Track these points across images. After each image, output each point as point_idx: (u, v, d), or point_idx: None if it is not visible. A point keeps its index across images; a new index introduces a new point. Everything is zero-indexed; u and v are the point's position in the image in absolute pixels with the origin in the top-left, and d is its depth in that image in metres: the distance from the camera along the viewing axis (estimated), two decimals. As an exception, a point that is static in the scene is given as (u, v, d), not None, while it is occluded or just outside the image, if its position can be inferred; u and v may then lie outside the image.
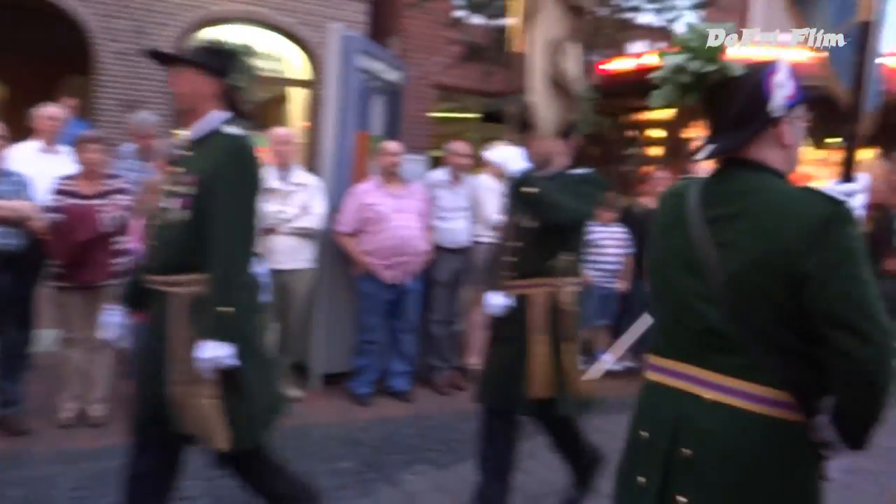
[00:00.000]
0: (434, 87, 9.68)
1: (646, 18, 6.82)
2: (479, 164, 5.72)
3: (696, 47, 1.64)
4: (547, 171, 3.14)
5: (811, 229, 1.48)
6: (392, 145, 5.03)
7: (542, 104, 3.22)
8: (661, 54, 1.72)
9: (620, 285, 6.11)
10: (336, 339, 5.09)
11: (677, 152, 7.49)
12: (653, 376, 1.75)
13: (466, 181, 5.49)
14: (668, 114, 7.71)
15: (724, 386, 1.57)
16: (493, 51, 6.79)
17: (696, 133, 7.77)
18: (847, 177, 2.13)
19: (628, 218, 6.39)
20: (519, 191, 3.00)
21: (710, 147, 1.66)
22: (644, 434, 1.71)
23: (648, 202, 6.38)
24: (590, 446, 3.53)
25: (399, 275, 4.85)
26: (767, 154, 1.63)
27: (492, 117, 9.36)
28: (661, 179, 6.40)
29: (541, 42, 3.23)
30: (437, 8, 7.82)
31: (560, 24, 3.24)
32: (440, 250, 5.27)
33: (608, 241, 6.03)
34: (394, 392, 5.10)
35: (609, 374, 6.14)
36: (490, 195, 5.46)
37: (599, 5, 6.46)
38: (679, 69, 1.65)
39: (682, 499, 1.59)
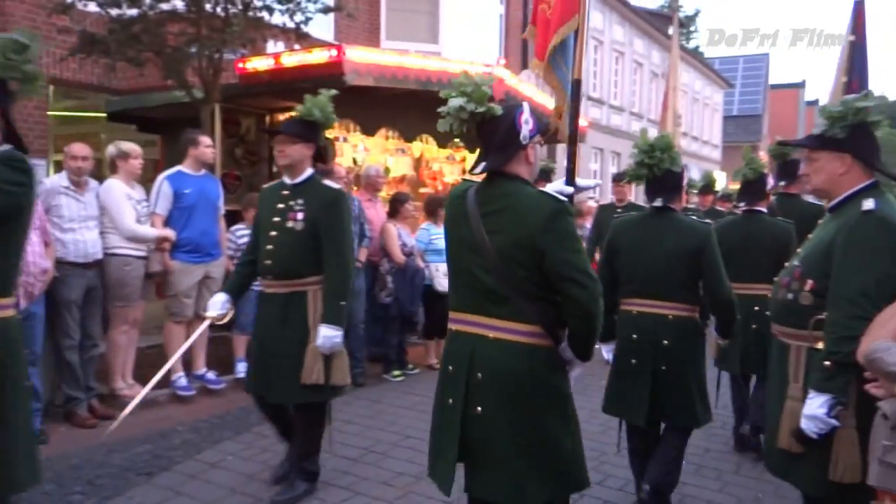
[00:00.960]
0: (49, 83, 8.51)
1: (279, 18, 6.80)
2: (113, 168, 5.17)
3: (471, 93, 2.33)
4: None
5: (544, 219, 2.25)
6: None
7: None
8: (447, 95, 2.38)
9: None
10: (-66, 384, 4.19)
11: (322, 152, 7.66)
12: (453, 326, 2.46)
13: (93, 186, 4.92)
14: (308, 114, 7.84)
15: (501, 327, 2.32)
16: (114, 43, 6.17)
17: (336, 133, 8.05)
18: (571, 181, 3.18)
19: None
20: None
21: (483, 164, 2.38)
22: (450, 368, 2.42)
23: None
24: None
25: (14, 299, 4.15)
26: (519, 168, 2.40)
27: (120, 116, 8.54)
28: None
29: None
30: (42, -9, 6.86)
31: None
32: (67, 266, 4.65)
33: (258, 242, 5.94)
34: (20, 435, 4.37)
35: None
36: (124, 201, 5.00)
37: (227, 3, 6.29)
38: (461, 109, 2.33)
39: (478, 409, 2.32)
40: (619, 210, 6.87)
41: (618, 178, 7.26)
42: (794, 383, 2.51)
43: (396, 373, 6.35)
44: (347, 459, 4.27)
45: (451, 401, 2.39)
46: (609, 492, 3.89)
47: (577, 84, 3.86)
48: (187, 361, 5.57)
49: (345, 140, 8.27)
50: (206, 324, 3.84)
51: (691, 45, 38.28)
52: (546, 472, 2.33)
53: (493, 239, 2.29)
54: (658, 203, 3.46)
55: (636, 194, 8.25)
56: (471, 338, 2.37)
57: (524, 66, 15.20)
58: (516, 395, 2.31)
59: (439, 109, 2.39)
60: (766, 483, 3.96)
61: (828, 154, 2.53)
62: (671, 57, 8.56)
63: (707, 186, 8.85)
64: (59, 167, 5.49)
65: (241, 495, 3.72)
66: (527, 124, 2.37)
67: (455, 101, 2.34)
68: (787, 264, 2.71)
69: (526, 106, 2.42)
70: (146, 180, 5.42)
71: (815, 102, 40.46)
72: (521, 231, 2.26)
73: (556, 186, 2.69)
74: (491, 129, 2.37)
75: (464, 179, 2.57)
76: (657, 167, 3.46)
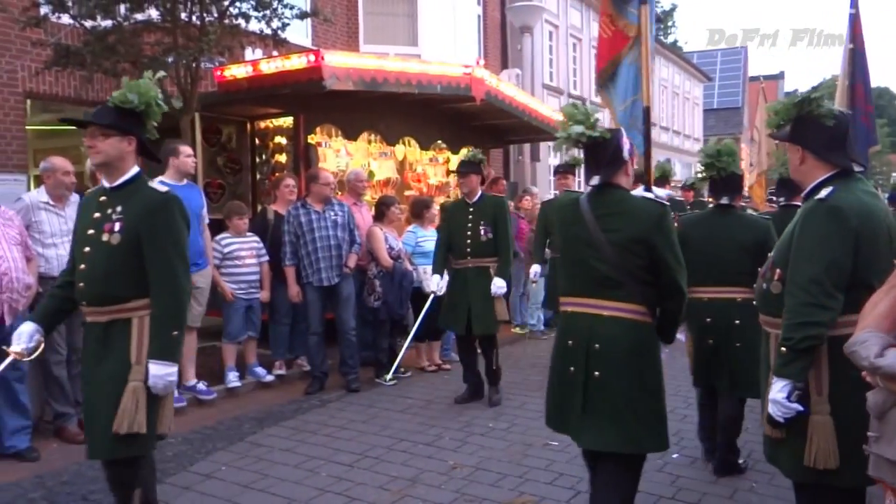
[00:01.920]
0: (26, 96, 8.42)
1: (255, 26, 6.76)
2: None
3: (583, 120, 2.92)
4: None
5: (656, 219, 2.81)
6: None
7: None
8: (565, 125, 2.96)
9: (262, 295, 6.03)
10: (-82, 406, 4.13)
11: (305, 158, 7.64)
12: (568, 308, 2.96)
13: (73, 200, 4.86)
14: (289, 121, 7.81)
15: (614, 307, 2.82)
16: (88, 54, 6.10)
17: (318, 139, 8.02)
18: (649, 188, 3.95)
19: (262, 226, 6.33)
20: None
21: (597, 177, 2.92)
22: (570, 342, 2.90)
23: (279, 208, 6.40)
24: None
25: (-2, 316, 4.10)
26: (621, 180, 2.96)
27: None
28: (291, 187, 6.47)
29: None
30: (13, 4, 6.78)
31: None
32: (50, 281, 4.57)
33: (243, 251, 5.90)
34: (12, 453, 4.32)
35: (263, 386, 6.06)
36: (106, 214, 4.94)
37: (203, 11, 6.25)
38: (581, 134, 2.91)
39: (596, 373, 2.82)
40: None
41: (560, 170, 7.02)
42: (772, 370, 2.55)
43: (388, 377, 6.33)
44: (342, 465, 4.25)
45: (572, 368, 2.88)
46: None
47: (647, 111, 4.87)
48: (177, 373, 5.52)
49: (327, 145, 8.25)
50: (8, 360, 3.00)
51: (669, 40, 38.50)
52: (651, 426, 2.84)
53: (609, 236, 2.81)
54: (724, 201, 4.01)
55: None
56: (588, 317, 2.87)
57: (504, 65, 15.24)
58: (628, 362, 2.80)
59: (557, 134, 3.00)
60: (760, 473, 3.98)
61: (789, 146, 2.65)
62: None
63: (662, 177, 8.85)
64: (39, 182, 5.41)
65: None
66: (626, 144, 2.96)
67: (576, 129, 2.93)
68: (769, 255, 2.76)
69: (623, 132, 3.07)
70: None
71: (794, 93, 40.75)
72: (636, 229, 2.79)
73: (637, 192, 3.11)
74: (601, 149, 2.93)
75: (566, 191, 3.05)
76: (724, 170, 3.99)
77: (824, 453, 2.36)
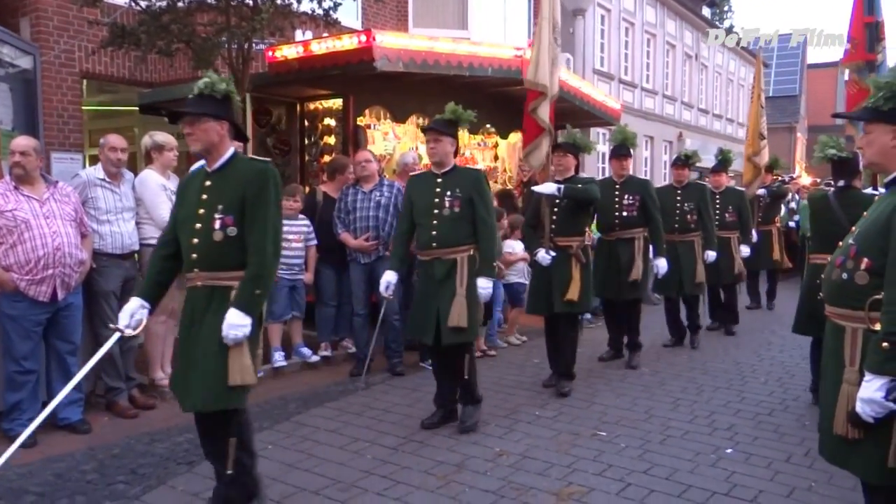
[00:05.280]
0: (82, 76, 8.58)
1: (307, 6, 6.73)
2: (148, 159, 5.16)
3: (835, 146, 4.51)
4: None
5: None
6: (22, 141, 4.24)
7: None
8: (823, 147, 4.58)
9: (306, 277, 6.05)
10: (-23, 375, 4.24)
11: (354, 141, 7.61)
12: (817, 261, 4.54)
13: (128, 178, 4.92)
14: (338, 103, 7.78)
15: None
16: (144, 35, 6.15)
17: (367, 121, 7.98)
18: (874, 186, 5.06)
19: (311, 206, 6.33)
20: None
21: (842, 181, 4.57)
22: (817, 281, 3.91)
23: (329, 190, 6.39)
24: None
25: (51, 290, 4.17)
26: (857, 184, 4.62)
27: (150, 108, 8.56)
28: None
29: None
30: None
31: None
32: (104, 257, 4.66)
33: (291, 234, 5.90)
34: (64, 425, 4.42)
35: (308, 366, 6.08)
36: (160, 192, 4.99)
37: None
38: (833, 155, 4.53)
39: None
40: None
41: (678, 163, 7.66)
42: (849, 366, 2.42)
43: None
44: (387, 448, 4.23)
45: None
46: (655, 480, 3.78)
47: None
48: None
49: (376, 128, 8.21)
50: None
51: (725, 24, 37.44)
52: None
53: (848, 217, 4.12)
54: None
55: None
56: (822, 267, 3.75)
57: (554, 49, 14.98)
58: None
59: (816, 154, 4.65)
60: (818, 472, 3.82)
61: (881, 126, 2.47)
62: None
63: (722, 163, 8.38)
64: (93, 161, 5.48)
65: (282, 484, 3.69)
66: (861, 161, 4.02)
67: (831, 151, 4.50)
68: (840, 244, 2.62)
69: (860, 153, 3.80)
70: (180, 172, 5.41)
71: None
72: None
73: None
74: (846, 164, 4.56)
75: (818, 188, 4.31)
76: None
77: None
